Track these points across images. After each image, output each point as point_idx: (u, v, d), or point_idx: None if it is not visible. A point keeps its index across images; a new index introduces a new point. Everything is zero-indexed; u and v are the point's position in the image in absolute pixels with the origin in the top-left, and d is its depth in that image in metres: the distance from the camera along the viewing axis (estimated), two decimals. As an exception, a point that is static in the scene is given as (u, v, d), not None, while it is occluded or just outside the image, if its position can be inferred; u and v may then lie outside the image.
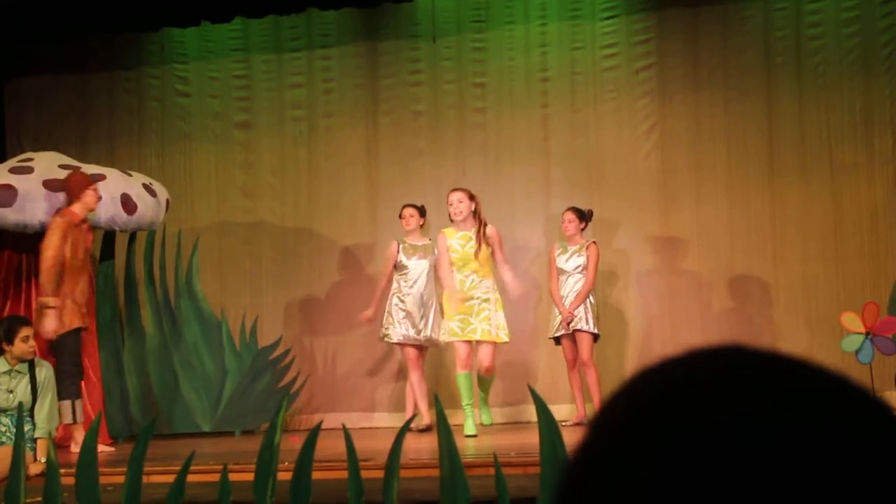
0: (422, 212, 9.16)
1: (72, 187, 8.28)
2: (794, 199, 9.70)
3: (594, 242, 9.04)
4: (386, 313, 9.04)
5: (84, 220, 8.27)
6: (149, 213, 9.04)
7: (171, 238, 9.91)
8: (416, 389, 9.07)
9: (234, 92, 10.72)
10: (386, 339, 9.12)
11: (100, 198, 8.35)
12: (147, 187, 9.11)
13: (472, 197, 8.46)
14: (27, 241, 8.83)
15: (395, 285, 9.07)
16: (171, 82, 10.80)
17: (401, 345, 9.07)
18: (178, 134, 10.75)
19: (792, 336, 9.52)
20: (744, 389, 0.77)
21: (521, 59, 10.27)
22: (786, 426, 0.74)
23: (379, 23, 10.47)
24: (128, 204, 8.82)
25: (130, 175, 9.15)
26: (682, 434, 0.75)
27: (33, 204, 8.50)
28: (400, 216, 9.18)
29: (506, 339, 8.44)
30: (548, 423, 4.75)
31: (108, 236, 9.43)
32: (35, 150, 9.60)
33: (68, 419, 7.92)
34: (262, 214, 10.11)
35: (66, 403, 7.89)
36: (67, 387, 7.90)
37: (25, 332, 6.95)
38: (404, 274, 9.05)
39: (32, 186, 8.56)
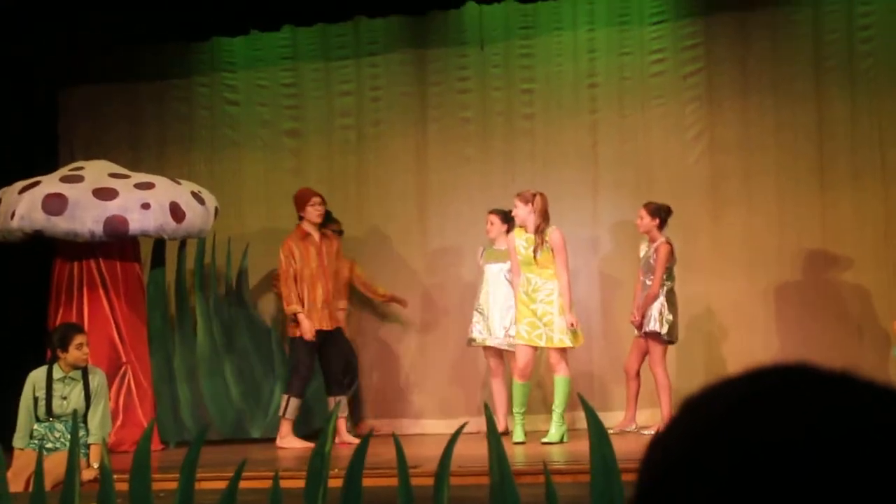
0: (503, 218, 9.16)
1: (296, 201, 9.20)
2: (845, 206, 9.61)
3: (666, 242, 8.87)
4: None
5: (308, 234, 9.08)
6: (197, 220, 9.10)
7: (220, 245, 9.97)
8: (493, 395, 9.17)
9: (283, 100, 10.77)
10: (471, 343, 9.35)
11: (319, 213, 9.11)
12: (196, 195, 9.17)
13: (529, 200, 8.47)
14: (78, 249, 8.92)
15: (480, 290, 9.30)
16: (220, 91, 10.87)
17: (485, 349, 9.28)
18: (227, 142, 10.82)
19: (843, 344, 9.42)
20: (813, 406, 0.81)
21: (569, 65, 10.24)
22: (854, 441, 0.78)
23: (427, 30, 10.49)
24: (176, 212, 8.88)
25: (179, 183, 9.21)
26: (756, 445, 0.79)
27: (83, 212, 8.59)
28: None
29: (569, 343, 8.38)
30: (597, 431, 4.73)
31: (158, 244, 9.51)
32: (87, 158, 9.68)
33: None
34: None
35: (285, 398, 8.94)
36: (294, 384, 8.93)
37: (80, 339, 7.02)
38: (484, 279, 9.25)
39: (82, 195, 8.65)
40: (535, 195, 8.51)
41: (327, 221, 9.32)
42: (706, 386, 0.87)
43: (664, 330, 8.61)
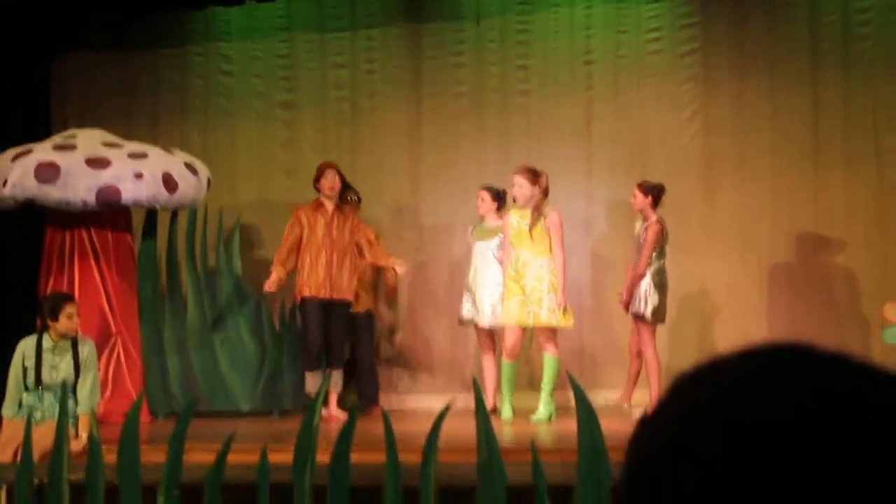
0: (495, 195, 9.15)
1: (315, 175, 9.23)
2: (838, 190, 9.61)
3: (657, 222, 8.83)
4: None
5: (321, 205, 9.14)
6: (190, 191, 9.07)
7: (212, 216, 9.95)
8: (483, 372, 9.17)
9: (278, 71, 10.74)
10: (462, 322, 9.35)
11: (332, 185, 9.13)
12: (189, 166, 9.15)
13: (534, 180, 8.43)
14: (70, 218, 8.89)
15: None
16: (215, 61, 10.83)
17: (475, 327, 9.27)
18: (221, 112, 10.79)
19: (834, 326, 9.45)
20: (805, 386, 0.80)
21: (565, 42, 10.22)
22: (847, 421, 0.78)
23: (423, 4, 10.45)
24: (169, 182, 8.85)
25: (172, 153, 9.18)
26: (746, 426, 0.78)
27: (76, 181, 8.56)
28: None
29: (558, 323, 8.34)
30: (586, 411, 4.74)
31: (150, 214, 9.49)
32: (80, 126, 9.64)
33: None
34: (304, 194, 10.07)
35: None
36: (303, 359, 9.19)
37: (70, 308, 7.00)
38: (473, 256, 9.24)
39: (75, 164, 8.62)
40: (540, 174, 8.47)
41: (343, 190, 9.39)
42: (696, 366, 0.86)
43: (648, 311, 8.59)
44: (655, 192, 8.76)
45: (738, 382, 0.81)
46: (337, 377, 9.12)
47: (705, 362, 0.86)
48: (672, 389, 0.86)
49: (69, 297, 7.31)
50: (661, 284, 8.65)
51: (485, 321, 9.07)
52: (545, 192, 8.44)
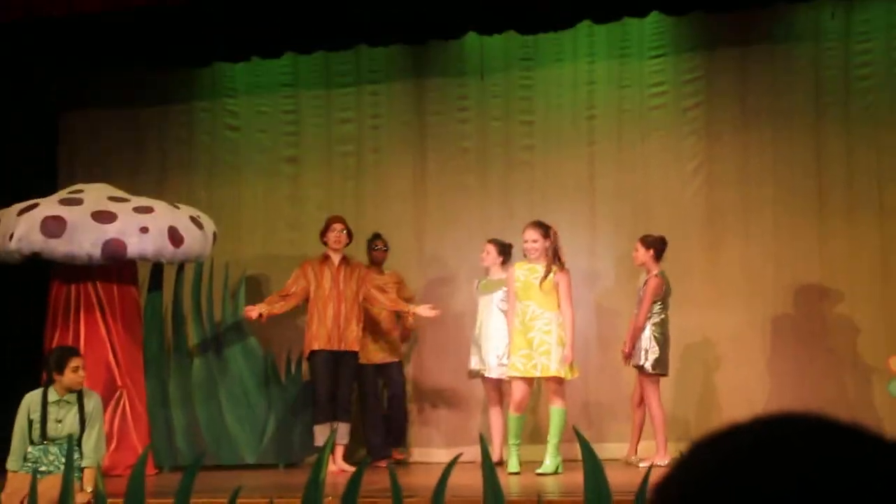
0: (500, 248, 9.19)
1: (323, 228, 9.43)
2: (841, 241, 9.63)
3: (657, 275, 8.83)
4: None
5: (327, 258, 9.34)
6: (196, 245, 9.11)
7: (218, 270, 9.99)
8: (491, 424, 9.18)
9: (283, 127, 10.81)
10: (471, 376, 9.38)
11: (338, 239, 9.31)
12: (194, 220, 9.19)
13: (546, 234, 8.49)
14: (76, 271, 8.92)
15: None
16: (221, 116, 10.91)
17: (483, 379, 9.30)
18: (227, 167, 10.85)
19: (838, 379, 9.44)
20: (811, 456, 0.82)
21: (568, 97, 10.28)
22: (849, 491, 0.79)
23: (427, 60, 10.53)
24: (175, 236, 8.89)
25: (178, 208, 9.23)
26: (755, 496, 0.80)
27: (81, 235, 8.60)
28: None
29: (566, 375, 8.35)
30: (592, 463, 4.73)
31: (156, 268, 9.52)
32: (87, 181, 9.70)
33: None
34: (309, 248, 10.13)
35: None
36: (314, 413, 9.29)
37: (75, 362, 7.00)
38: (479, 310, 9.31)
39: (81, 218, 8.66)
40: (550, 228, 8.55)
41: (373, 238, 9.80)
42: (710, 433, 0.88)
43: (648, 363, 8.63)
44: (658, 246, 8.82)
45: (749, 451, 0.83)
46: (343, 430, 9.11)
47: (719, 430, 0.88)
48: (686, 455, 0.88)
49: (74, 351, 7.31)
50: (662, 337, 8.68)
51: (492, 373, 9.08)
52: (555, 247, 8.49)
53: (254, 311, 9.19)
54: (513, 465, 8.43)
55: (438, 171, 10.45)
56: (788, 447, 0.83)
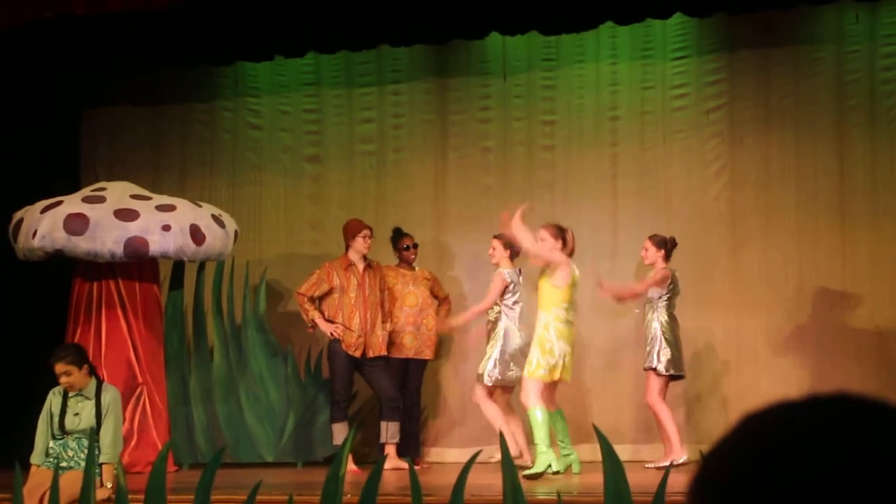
0: (506, 244, 9.10)
1: (345, 232, 9.39)
2: (863, 246, 9.58)
3: (664, 268, 8.82)
4: None
5: (352, 263, 9.28)
6: (217, 243, 9.14)
7: (239, 269, 10.01)
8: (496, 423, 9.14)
9: (305, 126, 10.83)
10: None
11: (367, 245, 9.29)
12: (216, 218, 9.22)
13: (558, 236, 8.48)
14: (98, 269, 8.96)
15: None
16: (244, 115, 10.93)
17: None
18: (249, 166, 10.87)
19: (861, 382, 9.38)
20: (853, 438, 0.84)
21: (590, 98, 10.27)
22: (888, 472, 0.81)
23: (449, 59, 10.53)
24: (196, 234, 8.92)
25: (200, 206, 9.26)
26: (799, 478, 0.82)
27: (104, 233, 8.63)
28: None
29: (529, 375, 8.31)
30: (612, 462, 4.73)
31: (178, 266, 9.55)
32: (109, 179, 9.74)
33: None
34: (330, 247, 10.15)
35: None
36: (332, 412, 9.23)
37: (58, 369, 7.00)
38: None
39: (104, 215, 8.69)
40: (547, 228, 8.61)
41: (401, 237, 9.65)
42: (764, 406, 0.91)
43: (661, 366, 8.60)
44: (667, 246, 8.81)
45: (787, 434, 0.85)
46: (393, 429, 9.11)
47: (772, 404, 0.90)
48: (737, 426, 0.90)
49: (56, 358, 7.15)
50: (672, 337, 8.65)
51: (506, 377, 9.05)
52: (565, 247, 8.52)
53: (336, 329, 9.19)
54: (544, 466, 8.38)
55: (459, 170, 10.45)
56: (839, 422, 0.85)
